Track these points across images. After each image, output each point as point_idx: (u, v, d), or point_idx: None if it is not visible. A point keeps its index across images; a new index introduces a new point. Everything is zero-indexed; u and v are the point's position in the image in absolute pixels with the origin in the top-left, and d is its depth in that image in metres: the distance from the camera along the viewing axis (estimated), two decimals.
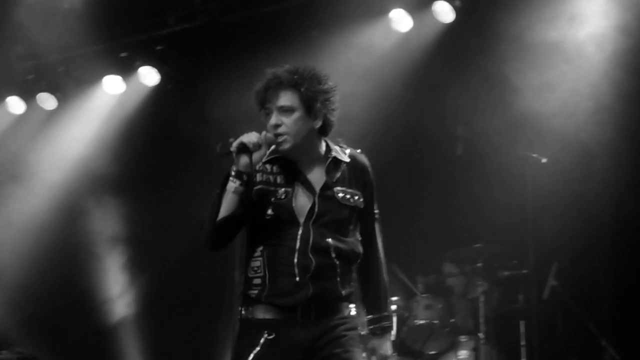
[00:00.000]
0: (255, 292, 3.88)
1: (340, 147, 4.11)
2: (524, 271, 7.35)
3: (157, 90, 9.27)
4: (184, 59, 9.10)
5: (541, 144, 7.42)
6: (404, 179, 8.23)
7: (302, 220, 3.90)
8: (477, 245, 7.53)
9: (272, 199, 3.93)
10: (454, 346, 7.48)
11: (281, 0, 8.32)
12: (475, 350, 7.27)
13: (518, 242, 7.36)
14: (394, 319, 4.18)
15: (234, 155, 3.83)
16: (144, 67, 9.11)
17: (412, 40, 8.02)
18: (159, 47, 9.04)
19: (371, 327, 4.08)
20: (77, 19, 8.40)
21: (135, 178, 9.37)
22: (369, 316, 4.08)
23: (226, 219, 3.84)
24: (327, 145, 4.07)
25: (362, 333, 4.09)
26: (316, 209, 3.92)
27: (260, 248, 3.92)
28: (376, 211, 4.15)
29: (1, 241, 9.34)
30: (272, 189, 3.95)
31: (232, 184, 3.83)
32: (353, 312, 4.00)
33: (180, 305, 8.89)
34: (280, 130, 3.85)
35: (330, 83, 3.97)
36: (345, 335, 3.92)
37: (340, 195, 3.99)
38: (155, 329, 8.95)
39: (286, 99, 3.88)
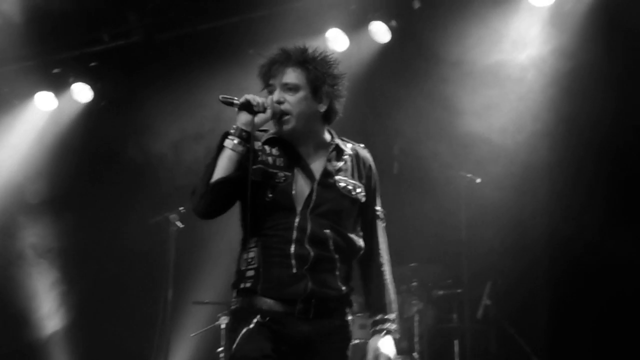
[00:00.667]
0: (249, 284, 3.64)
1: (342, 139, 3.92)
2: (458, 290, 7.35)
3: (91, 107, 9.26)
4: (118, 75, 9.13)
5: (478, 164, 7.47)
6: None
7: (299, 208, 3.68)
8: (412, 264, 7.47)
9: (271, 181, 3.71)
10: None
11: (218, 18, 8.32)
12: None
13: (452, 261, 7.39)
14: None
15: (235, 109, 3.65)
16: (77, 84, 9.12)
17: (350, 60, 8.01)
18: (92, 64, 9.06)
19: (374, 329, 3.79)
20: (9, 33, 8.32)
21: (68, 195, 9.34)
22: (373, 318, 3.81)
23: (222, 180, 3.60)
24: (331, 134, 3.88)
25: (356, 342, 4.07)
26: (314, 197, 3.70)
27: (255, 239, 3.69)
28: (379, 208, 3.91)
29: None
30: (272, 170, 3.73)
31: (230, 141, 3.61)
32: (350, 316, 3.77)
33: (113, 320, 8.79)
34: (284, 107, 3.67)
35: (340, 69, 3.78)
36: (338, 349, 3.71)
37: (342, 184, 3.77)
38: (86, 344, 8.90)
39: (292, 76, 3.69)
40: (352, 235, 3.77)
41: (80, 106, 9.29)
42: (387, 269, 3.84)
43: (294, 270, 3.61)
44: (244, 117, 3.62)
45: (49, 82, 9.19)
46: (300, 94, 3.68)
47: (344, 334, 3.72)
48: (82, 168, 9.28)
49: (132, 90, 9.10)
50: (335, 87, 3.73)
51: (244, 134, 3.60)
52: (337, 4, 7.99)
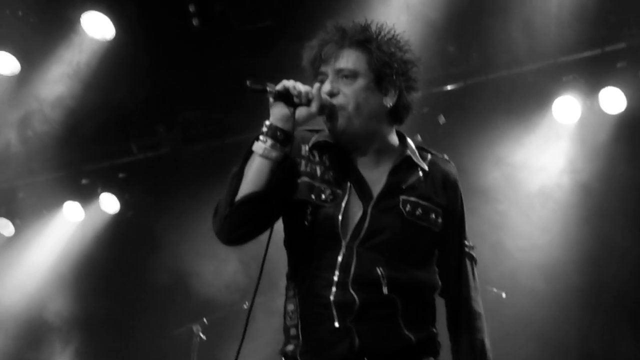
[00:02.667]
0: (291, 348, 2.86)
1: (420, 147, 3.02)
2: None
3: (118, 218, 9.25)
4: (145, 186, 9.12)
5: (503, 279, 7.36)
6: None
7: (346, 239, 2.80)
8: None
9: (314, 198, 2.84)
10: None
11: (246, 130, 8.10)
12: None
13: None
14: None
15: (270, 98, 2.79)
16: (105, 195, 9.12)
17: None
18: (121, 175, 9.11)
19: None
20: (39, 144, 8.47)
21: (91, 307, 9.24)
22: None
23: (249, 197, 2.74)
24: (401, 139, 2.98)
25: None
26: (366, 224, 2.80)
27: (294, 284, 2.90)
28: (468, 243, 3.05)
29: None
30: (317, 184, 2.86)
31: (262, 144, 2.76)
32: None
33: None
34: (337, 100, 2.82)
35: (413, 51, 2.92)
36: None
37: (408, 208, 2.84)
38: None
39: (350, 59, 2.83)
40: (420, 272, 2.87)
41: (107, 217, 9.27)
42: (478, 318, 3.00)
43: (336, 324, 2.76)
44: (280, 111, 2.76)
45: (77, 192, 9.21)
46: (360, 82, 2.83)
47: None
48: (106, 280, 9.23)
49: (158, 202, 9.09)
50: (406, 74, 2.88)
51: (279, 133, 2.74)
52: None
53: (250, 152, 2.78)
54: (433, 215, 2.87)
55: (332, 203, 2.81)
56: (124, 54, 7.69)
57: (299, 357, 2.80)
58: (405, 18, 6.84)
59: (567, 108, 7.28)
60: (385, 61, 2.82)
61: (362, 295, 2.73)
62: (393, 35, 2.88)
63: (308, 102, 2.74)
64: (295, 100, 2.73)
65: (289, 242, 2.92)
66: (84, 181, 9.15)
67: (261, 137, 2.75)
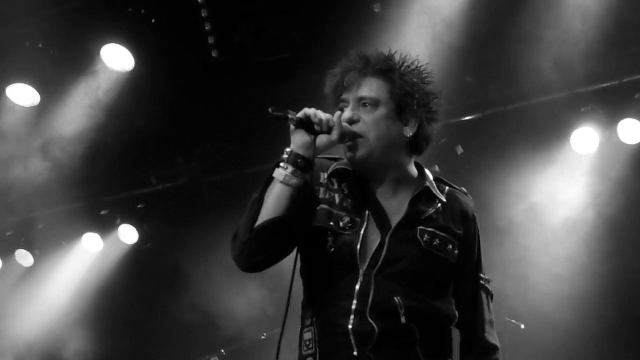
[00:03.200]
0: None
1: (438, 179, 3.03)
2: None
3: (136, 248, 9.27)
4: (164, 217, 9.13)
5: (522, 312, 7.37)
6: None
7: (363, 267, 2.79)
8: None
9: (335, 225, 2.83)
10: None
11: (264, 161, 8.01)
12: None
13: None
14: None
15: (291, 126, 2.79)
16: (124, 225, 9.16)
17: None
18: (140, 206, 9.16)
19: None
20: (59, 176, 8.50)
21: (111, 340, 9.29)
22: None
23: (269, 224, 2.74)
24: (420, 170, 2.98)
25: None
26: (384, 253, 2.79)
27: (311, 312, 2.85)
28: (484, 276, 3.01)
29: None
30: (336, 212, 2.84)
31: (282, 171, 2.76)
32: None
33: None
34: (357, 128, 2.80)
35: (435, 83, 2.93)
36: None
37: (426, 238, 2.83)
38: None
39: (372, 88, 2.84)
40: (438, 302, 2.85)
41: (126, 248, 9.29)
42: (493, 348, 2.96)
43: (355, 353, 2.74)
44: (301, 138, 2.76)
45: (96, 223, 9.23)
46: (381, 111, 2.83)
47: None
48: (124, 311, 9.26)
49: (177, 233, 9.10)
50: (427, 106, 2.88)
51: (300, 161, 2.74)
52: None
53: (271, 179, 2.78)
54: (450, 247, 2.86)
55: (351, 231, 2.80)
56: (143, 85, 7.75)
57: None
58: (427, 48, 6.86)
59: (585, 139, 7.27)
60: (407, 91, 2.81)
61: (381, 324, 2.71)
62: (416, 66, 2.88)
63: (329, 130, 2.74)
64: (317, 128, 2.74)
65: (306, 270, 2.89)
66: (103, 212, 9.18)
67: (282, 164, 2.75)
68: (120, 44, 7.54)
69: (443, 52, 6.95)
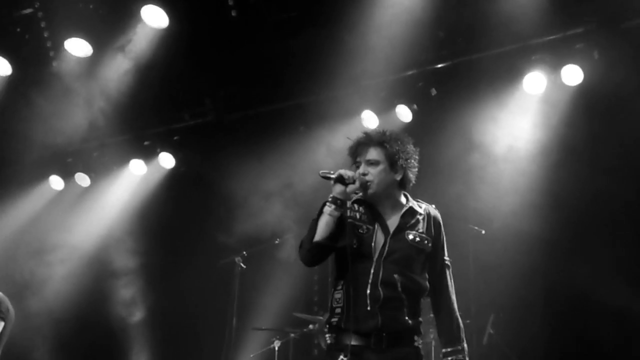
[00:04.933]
0: (336, 319, 3.68)
1: (417, 201, 3.89)
2: (467, 321, 6.62)
3: (173, 172, 9.35)
4: (195, 147, 9.16)
5: (484, 220, 7.43)
6: None
7: (375, 256, 3.68)
8: (429, 299, 7.27)
9: (357, 231, 3.74)
10: None
11: (276, 101, 8.40)
12: None
13: (462, 297, 6.92)
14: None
15: (332, 182, 3.71)
16: (163, 153, 9.19)
17: None
18: (175, 138, 9.18)
19: (446, 359, 3.74)
20: (109, 113, 8.52)
21: (152, 241, 9.37)
22: (445, 349, 3.77)
23: (323, 242, 3.66)
24: (407, 198, 3.86)
25: None
26: (387, 247, 3.70)
27: (342, 282, 3.72)
28: (447, 258, 3.86)
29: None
30: (358, 223, 3.76)
31: (328, 208, 3.67)
32: (418, 344, 3.71)
33: (186, 342, 8.82)
34: (367, 178, 3.72)
35: (412, 146, 3.84)
36: None
37: (410, 237, 3.74)
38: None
39: (374, 153, 3.75)
40: (419, 278, 3.70)
41: (164, 171, 9.37)
42: (453, 306, 3.78)
43: (369, 308, 3.60)
44: (338, 188, 3.68)
45: (140, 152, 9.30)
46: (380, 167, 3.73)
47: (416, 356, 3.68)
48: (164, 220, 9.28)
49: (206, 159, 9.17)
50: (408, 160, 3.78)
51: (338, 201, 3.66)
52: (370, 92, 7.97)
53: (321, 212, 3.69)
54: (426, 242, 3.76)
55: (367, 234, 3.72)
56: (177, 39, 7.73)
57: (342, 325, 3.62)
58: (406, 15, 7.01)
59: (535, 82, 7.27)
60: (395, 153, 3.74)
61: (385, 291, 3.61)
62: (399, 136, 3.80)
63: (354, 182, 3.68)
64: (347, 181, 3.67)
65: (338, 259, 3.77)
66: (145, 143, 9.25)
67: (327, 204, 3.67)
68: (157, 4, 7.46)
69: (422, 9, 7.01)
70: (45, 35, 7.95)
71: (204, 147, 9.12)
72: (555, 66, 7.18)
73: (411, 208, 3.79)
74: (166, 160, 9.23)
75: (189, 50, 7.88)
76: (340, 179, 3.70)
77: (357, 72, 7.66)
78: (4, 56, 8.04)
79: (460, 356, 3.75)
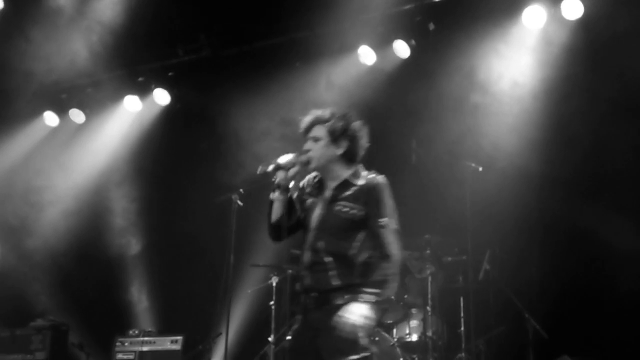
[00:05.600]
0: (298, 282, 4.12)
1: (367, 172, 4.15)
2: (464, 257, 7.32)
3: (168, 109, 9.35)
4: (190, 83, 9.16)
5: (481, 156, 7.45)
6: None
7: (312, 226, 4.03)
8: (427, 236, 7.44)
9: (304, 205, 4.11)
10: (406, 317, 7.44)
11: (271, 37, 8.38)
12: (424, 320, 7.19)
13: (459, 234, 7.34)
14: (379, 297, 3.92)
15: (271, 174, 4.00)
16: (158, 90, 9.16)
17: (376, 72, 8.14)
18: (170, 74, 9.11)
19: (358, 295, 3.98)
20: (103, 49, 8.47)
21: (149, 183, 9.44)
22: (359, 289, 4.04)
23: (275, 222, 4.04)
24: (353, 170, 4.12)
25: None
26: (320, 218, 4.04)
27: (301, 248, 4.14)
28: (382, 221, 4.04)
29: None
30: (305, 197, 4.12)
31: (274, 194, 4.02)
32: (341, 301, 3.93)
33: (185, 278, 8.88)
34: (309, 154, 4.03)
35: (359, 123, 4.11)
36: (334, 323, 3.85)
37: (338, 208, 4.03)
38: (161, 297, 9.03)
39: (316, 131, 4.06)
40: (345, 243, 3.97)
41: (159, 108, 9.35)
42: (381, 262, 3.96)
43: (302, 272, 4.01)
44: (280, 175, 4.00)
45: (135, 88, 9.25)
46: (322, 142, 4.04)
47: (338, 312, 3.86)
48: (160, 156, 9.31)
49: (201, 96, 9.13)
50: (352, 135, 4.06)
51: (281, 186, 3.99)
52: (367, 26, 7.98)
53: (271, 201, 4.03)
54: (354, 211, 3.96)
55: (311, 207, 4.03)
56: None
57: (296, 287, 4.04)
58: None
59: (534, 16, 7.26)
60: (337, 129, 4.01)
61: (313, 257, 3.93)
62: (341, 114, 4.03)
63: (293, 165, 3.96)
64: (287, 166, 3.96)
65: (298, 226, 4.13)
66: (140, 79, 9.14)
67: (274, 192, 3.98)
68: None
69: None
70: None
71: (199, 83, 9.12)
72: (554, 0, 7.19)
73: (346, 180, 4.08)
74: (161, 97, 9.23)
75: None
76: (279, 167, 4.02)
77: (354, 6, 7.70)
78: None
79: (366, 296, 3.91)
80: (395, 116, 8.07)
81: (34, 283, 9.33)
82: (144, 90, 9.25)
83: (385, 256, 4.01)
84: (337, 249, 4.00)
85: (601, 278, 7.01)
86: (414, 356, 7.07)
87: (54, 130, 9.72)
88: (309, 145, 4.09)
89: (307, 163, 4.08)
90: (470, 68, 7.59)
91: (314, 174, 4.17)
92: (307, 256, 4.04)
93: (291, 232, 4.19)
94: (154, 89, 9.16)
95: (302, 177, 4.19)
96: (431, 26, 7.75)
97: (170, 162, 9.33)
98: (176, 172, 9.29)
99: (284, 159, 4.05)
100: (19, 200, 9.38)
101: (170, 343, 8.12)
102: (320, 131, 4.11)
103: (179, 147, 9.25)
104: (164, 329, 8.58)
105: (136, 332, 8.34)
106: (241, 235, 7.56)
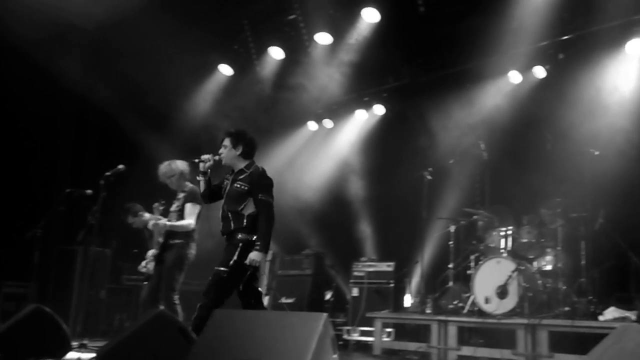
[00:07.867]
0: None
1: (255, 164, 5.25)
2: (584, 214, 7.38)
3: (384, 118, 10.26)
4: (398, 100, 9.96)
5: (595, 140, 7.48)
6: (520, 165, 8.33)
7: (224, 197, 5.20)
8: (558, 199, 7.60)
9: (222, 184, 5.29)
10: (543, 254, 7.69)
11: (450, 67, 9.10)
12: (556, 256, 7.46)
13: (581, 198, 7.46)
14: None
15: (200, 163, 5.29)
16: (377, 105, 10.10)
17: (521, 89, 8.72)
18: (384, 94, 10.08)
19: (254, 246, 5.06)
20: (344, 78, 9.51)
21: (370, 162, 10.08)
22: (257, 243, 5.09)
23: (203, 192, 5.33)
24: (249, 163, 5.24)
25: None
26: (226, 191, 5.20)
27: None
28: (260, 196, 5.11)
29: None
30: (225, 180, 5.29)
31: (198, 178, 5.32)
32: (241, 238, 5.07)
33: (399, 225, 9.20)
34: (220, 155, 5.20)
35: (248, 135, 5.25)
36: (229, 250, 5.06)
37: (235, 185, 5.14)
38: None
39: (224, 141, 5.22)
40: (236, 206, 5.07)
41: (378, 118, 10.23)
42: (262, 223, 5.03)
43: (220, 224, 5.11)
44: (201, 166, 5.24)
45: (362, 104, 10.18)
46: (227, 148, 5.18)
47: (233, 244, 5.04)
48: (379, 150, 9.92)
49: (405, 108, 9.86)
50: (245, 142, 5.16)
51: (201, 173, 5.25)
52: (515, 57, 8.37)
53: (198, 179, 5.29)
54: (244, 187, 5.07)
55: (225, 185, 5.16)
56: (382, 28, 8.47)
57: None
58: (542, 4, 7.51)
59: (635, 45, 7.69)
60: (235, 139, 5.18)
61: (222, 214, 5.09)
62: (238, 130, 5.25)
63: (209, 161, 5.16)
64: (205, 161, 5.16)
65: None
66: (365, 98, 9.92)
67: (198, 177, 5.25)
68: (372, 6, 8.24)
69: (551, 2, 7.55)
70: (303, 32, 9.22)
71: (403, 100, 9.87)
72: None
73: (240, 170, 5.14)
74: (379, 110, 10.21)
75: (392, 34, 8.77)
76: (201, 161, 5.17)
77: (506, 43, 8.08)
78: (278, 45, 9.52)
79: (258, 247, 4.99)
80: (534, 120, 8.43)
81: (304, 226, 10.33)
82: (368, 106, 10.20)
83: (260, 213, 5.03)
84: (233, 208, 5.08)
85: None
86: (549, 279, 7.37)
87: (314, 133, 10.89)
88: (221, 149, 5.17)
89: (220, 160, 5.15)
90: (591, 83, 7.96)
91: (212, 165, 5.23)
92: (221, 213, 5.13)
93: (213, 199, 5.31)
94: (374, 104, 10.10)
95: (216, 169, 5.22)
96: (560, 56, 8.30)
97: (385, 152, 9.99)
98: (389, 159, 9.88)
99: (205, 157, 5.17)
100: (293, 178, 10.26)
101: (387, 266, 8.72)
102: (227, 141, 5.21)
103: (390, 142, 9.93)
104: (382, 257, 9.16)
105: (364, 259, 9.00)
106: (431, 199, 8.31)
